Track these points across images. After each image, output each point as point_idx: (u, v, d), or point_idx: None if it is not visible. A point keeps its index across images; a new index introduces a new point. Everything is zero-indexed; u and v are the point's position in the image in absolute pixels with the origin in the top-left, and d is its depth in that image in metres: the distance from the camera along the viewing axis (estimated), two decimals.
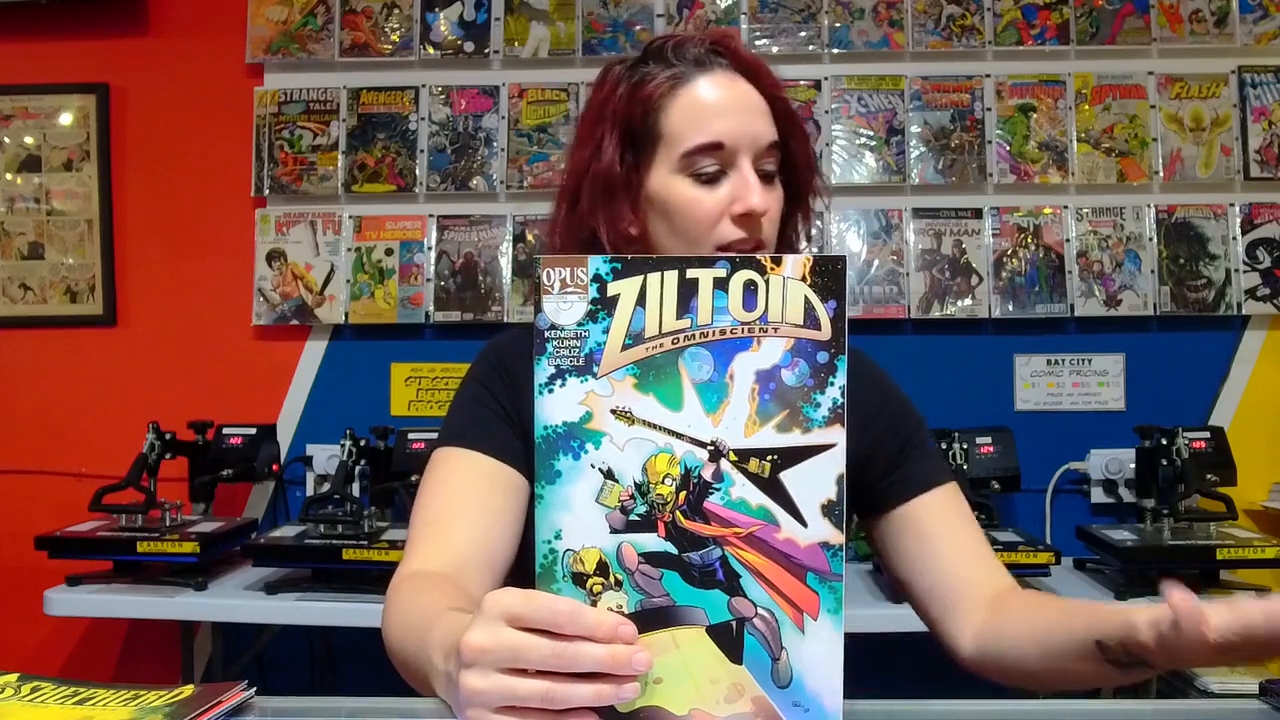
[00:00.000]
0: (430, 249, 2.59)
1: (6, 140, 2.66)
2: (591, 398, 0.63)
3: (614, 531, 0.63)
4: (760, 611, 0.63)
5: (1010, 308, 2.51)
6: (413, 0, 2.62)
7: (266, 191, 2.62)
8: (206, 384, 2.60)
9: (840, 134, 2.54)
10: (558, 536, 0.63)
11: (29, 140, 2.66)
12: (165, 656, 2.47)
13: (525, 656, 0.59)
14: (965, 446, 2.21)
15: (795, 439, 0.62)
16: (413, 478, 2.23)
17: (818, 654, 0.63)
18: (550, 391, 0.63)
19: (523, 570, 0.88)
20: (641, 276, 0.63)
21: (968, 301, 2.52)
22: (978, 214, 2.53)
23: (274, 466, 2.48)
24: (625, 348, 0.63)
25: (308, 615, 2.06)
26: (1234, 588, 2.05)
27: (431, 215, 2.60)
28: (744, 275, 0.63)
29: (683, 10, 2.60)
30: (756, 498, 0.62)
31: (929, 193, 2.55)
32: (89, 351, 2.64)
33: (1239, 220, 2.51)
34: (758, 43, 2.56)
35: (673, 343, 0.63)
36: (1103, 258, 2.51)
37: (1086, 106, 2.53)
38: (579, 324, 0.63)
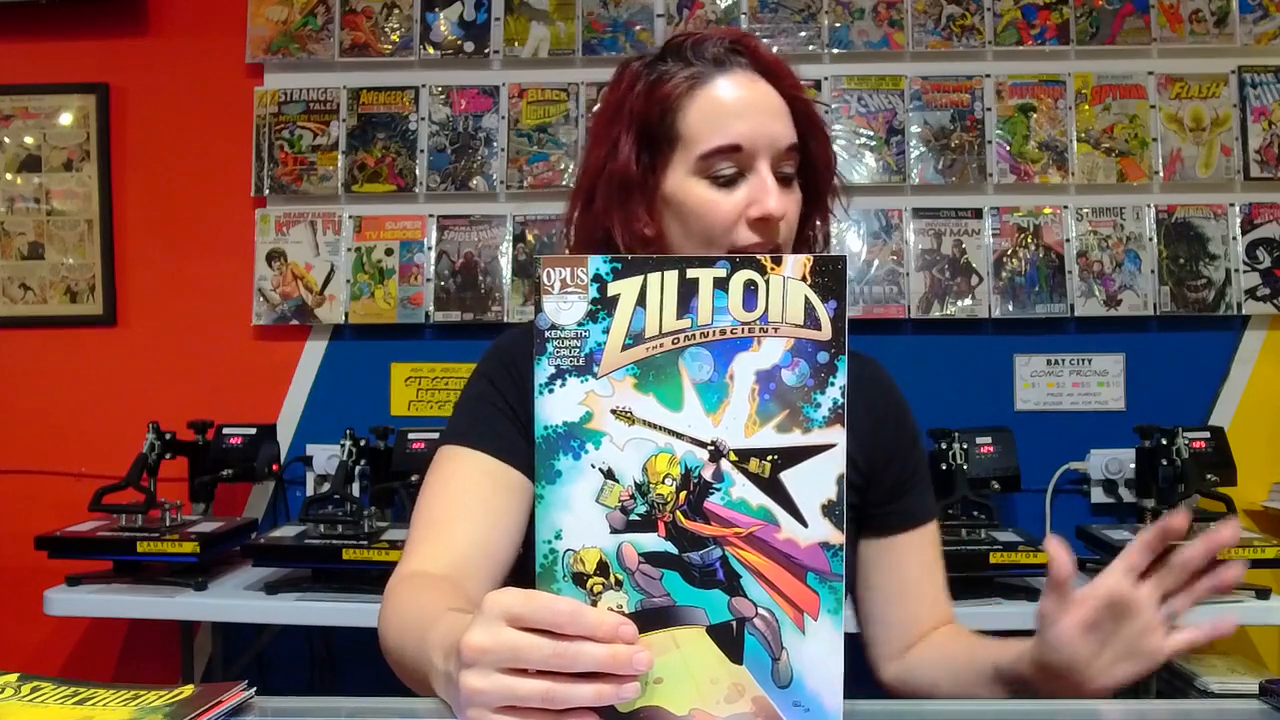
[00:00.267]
0: (430, 249, 2.59)
1: (6, 140, 2.66)
2: (592, 398, 0.63)
3: (614, 531, 0.63)
4: (760, 611, 0.63)
5: (1010, 308, 2.51)
6: (413, 0, 2.62)
7: (266, 191, 2.62)
8: (206, 384, 2.60)
9: (840, 134, 2.54)
10: (558, 536, 0.63)
11: (29, 140, 2.66)
12: (165, 656, 2.47)
13: (526, 656, 0.59)
14: (965, 446, 2.20)
15: (795, 439, 0.62)
16: (413, 478, 2.23)
17: (818, 654, 0.63)
18: (550, 391, 0.63)
19: (525, 571, 0.88)
20: (642, 276, 0.63)
21: (968, 301, 2.52)
22: (978, 214, 2.53)
23: (274, 466, 2.48)
24: (625, 348, 0.63)
25: (308, 615, 2.06)
26: (1234, 587, 2.05)
27: (431, 215, 2.60)
28: (744, 275, 0.63)
29: (683, 10, 2.60)
30: (757, 498, 0.62)
31: (929, 193, 2.55)
32: (89, 351, 2.64)
33: (1239, 220, 2.51)
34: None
35: (673, 343, 0.63)
36: (1103, 258, 2.52)
37: (1086, 106, 2.53)
38: (579, 324, 0.63)
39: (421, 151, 2.61)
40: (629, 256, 0.63)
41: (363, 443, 2.30)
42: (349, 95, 2.62)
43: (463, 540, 0.92)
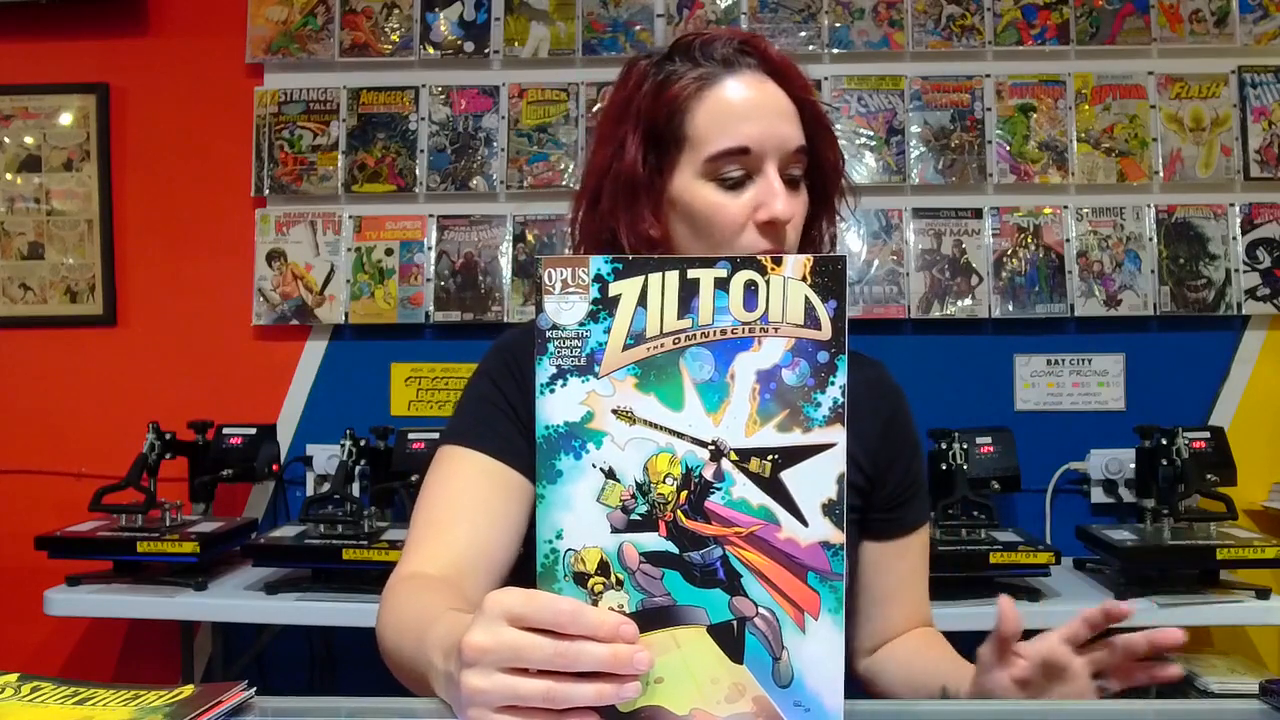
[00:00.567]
0: (430, 249, 2.59)
1: (6, 140, 2.66)
2: (593, 398, 0.63)
3: (615, 531, 0.63)
4: (761, 611, 0.63)
5: (1010, 308, 2.51)
6: (413, 0, 2.62)
7: (266, 191, 2.62)
8: (206, 384, 2.60)
9: (840, 134, 2.52)
10: (559, 536, 0.63)
11: (29, 140, 2.66)
12: (165, 656, 2.47)
13: (527, 656, 0.59)
14: (965, 446, 2.20)
15: (796, 438, 0.63)
16: (413, 478, 2.23)
17: (818, 653, 0.63)
18: (551, 391, 0.63)
19: (525, 571, 0.88)
20: (643, 277, 0.63)
21: (968, 301, 2.52)
22: (978, 214, 2.53)
23: (274, 466, 2.48)
24: (626, 348, 0.63)
25: (308, 615, 2.06)
26: (1234, 587, 2.05)
27: (431, 215, 2.60)
28: (744, 275, 0.63)
29: (683, 10, 2.60)
30: (757, 497, 0.63)
31: (929, 193, 2.55)
32: (89, 351, 2.64)
33: (1239, 220, 2.51)
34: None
35: (674, 343, 0.63)
36: (1103, 258, 2.52)
37: (1086, 106, 2.53)
38: (580, 324, 0.63)
39: (421, 151, 2.61)
40: (630, 257, 0.64)
41: (363, 443, 2.30)
42: (349, 95, 2.62)
43: (462, 541, 0.92)
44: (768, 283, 0.63)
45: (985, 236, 2.53)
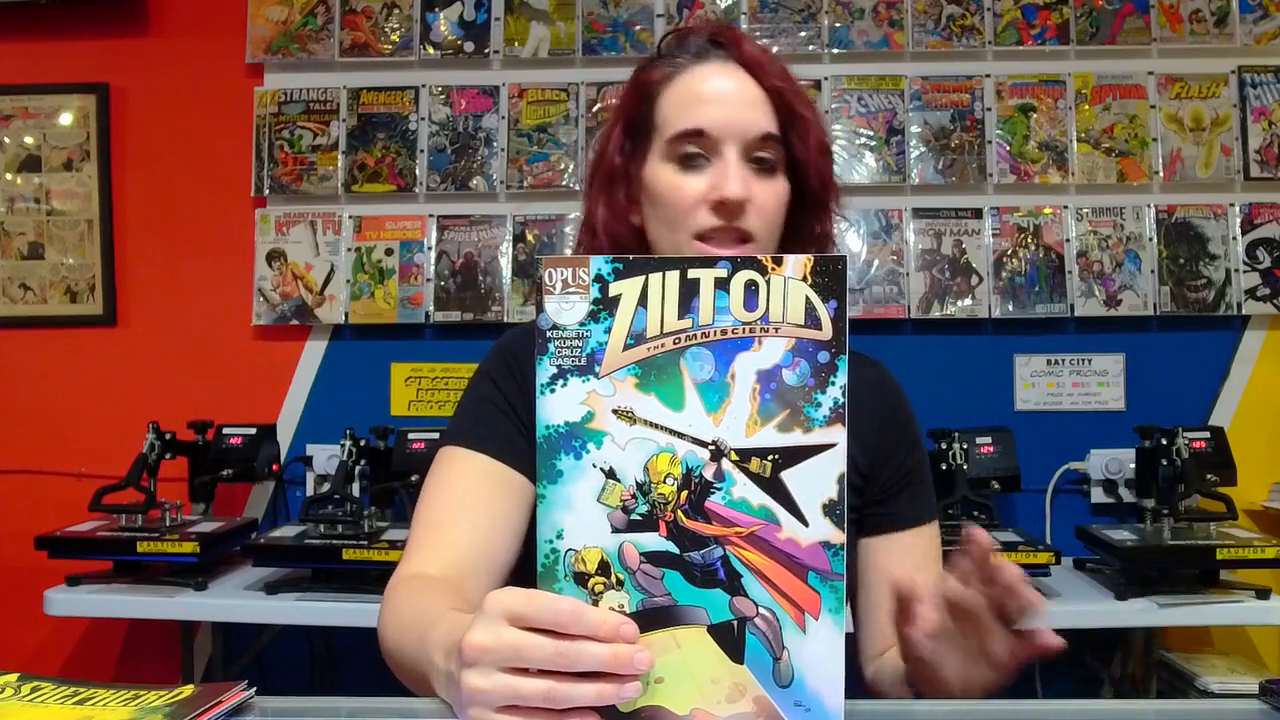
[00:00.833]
0: (430, 249, 2.59)
1: (6, 140, 2.66)
2: (593, 397, 0.63)
3: (616, 531, 0.63)
4: (762, 611, 0.63)
5: (1010, 308, 2.51)
6: (413, 0, 2.62)
7: (266, 191, 2.62)
8: (206, 384, 2.60)
9: (840, 134, 2.54)
10: (559, 536, 0.63)
11: (29, 140, 2.66)
12: (165, 656, 2.47)
13: (527, 656, 0.59)
14: (965, 446, 2.21)
15: (796, 438, 0.63)
16: (413, 478, 2.23)
17: (819, 653, 0.63)
18: (552, 391, 0.63)
19: (526, 571, 0.88)
20: (643, 277, 0.63)
21: (968, 301, 2.52)
22: (978, 214, 2.53)
23: (274, 466, 2.48)
24: (627, 347, 0.63)
25: (308, 615, 2.06)
26: (1234, 587, 2.05)
27: (431, 215, 2.60)
28: (745, 275, 0.63)
29: (683, 10, 2.60)
30: (758, 497, 0.63)
31: (929, 193, 2.55)
32: (89, 351, 2.64)
33: (1239, 220, 2.51)
34: (758, 43, 2.56)
35: (674, 343, 0.63)
36: (1103, 258, 2.52)
37: (1086, 106, 2.53)
38: (581, 324, 0.63)
39: (421, 151, 2.61)
40: (630, 257, 0.64)
41: (363, 443, 2.30)
42: (349, 95, 2.62)
43: (463, 542, 0.92)
44: (768, 283, 0.63)
45: (985, 236, 2.53)
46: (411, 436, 2.33)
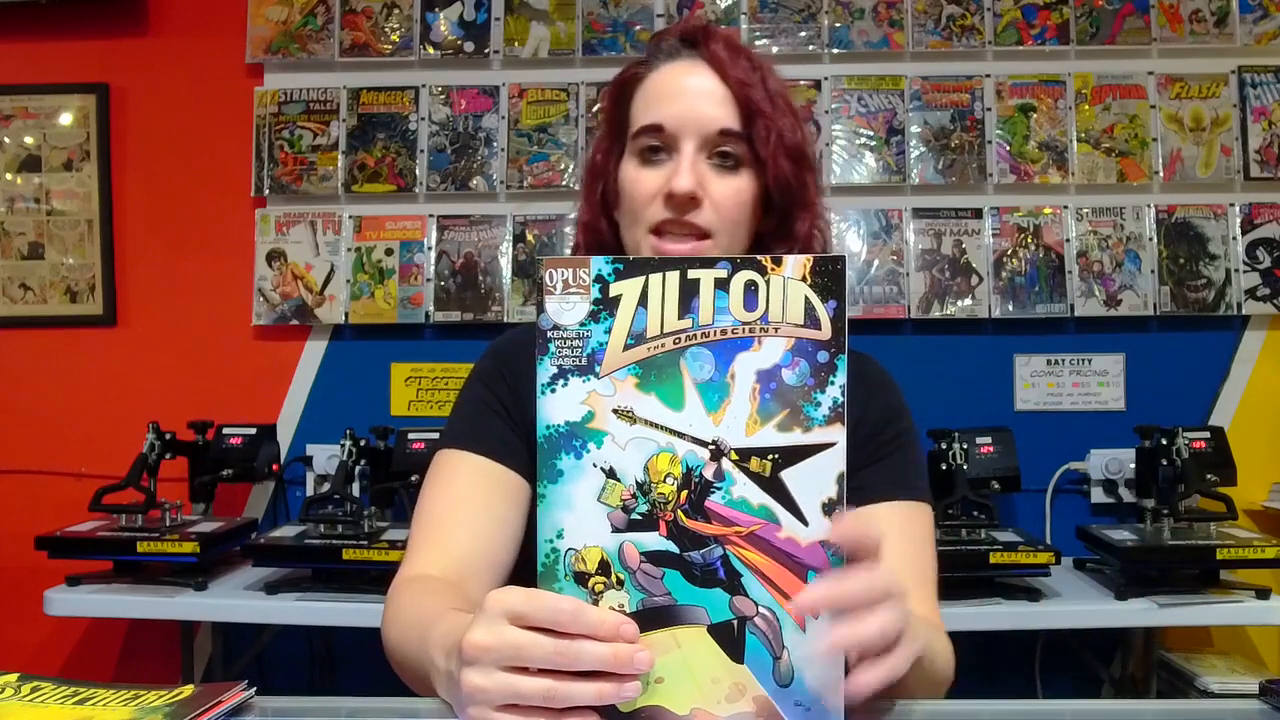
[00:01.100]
0: (430, 249, 2.59)
1: (6, 140, 2.66)
2: (594, 397, 0.63)
3: (616, 530, 0.63)
4: (761, 611, 0.63)
5: (1010, 308, 2.51)
6: (413, 0, 2.62)
7: (266, 191, 2.62)
8: (206, 384, 2.60)
9: (840, 134, 2.54)
10: (560, 535, 0.63)
11: (29, 140, 2.66)
12: (165, 656, 2.47)
13: (527, 655, 0.59)
14: (965, 446, 2.21)
15: (796, 438, 0.63)
16: (413, 478, 2.23)
17: (819, 653, 0.63)
18: (553, 391, 0.63)
19: (525, 573, 0.88)
20: (644, 277, 0.63)
21: (968, 301, 2.52)
22: (978, 214, 2.53)
23: (274, 466, 2.48)
24: (627, 347, 0.63)
25: (308, 615, 2.06)
26: (1234, 587, 2.05)
27: (431, 215, 2.60)
28: (745, 275, 0.63)
29: (682, 10, 2.60)
30: (758, 497, 0.63)
31: (929, 193, 2.55)
32: (89, 351, 2.64)
33: (1239, 220, 2.51)
34: (758, 43, 2.56)
35: (674, 343, 0.63)
36: (1103, 258, 2.52)
37: (1086, 106, 2.53)
38: (581, 324, 0.63)
39: (421, 151, 2.61)
40: (631, 258, 0.64)
41: (363, 443, 2.30)
42: (349, 95, 2.62)
43: (464, 543, 0.92)
44: (768, 283, 0.63)
45: (985, 236, 2.53)
46: (411, 436, 2.33)
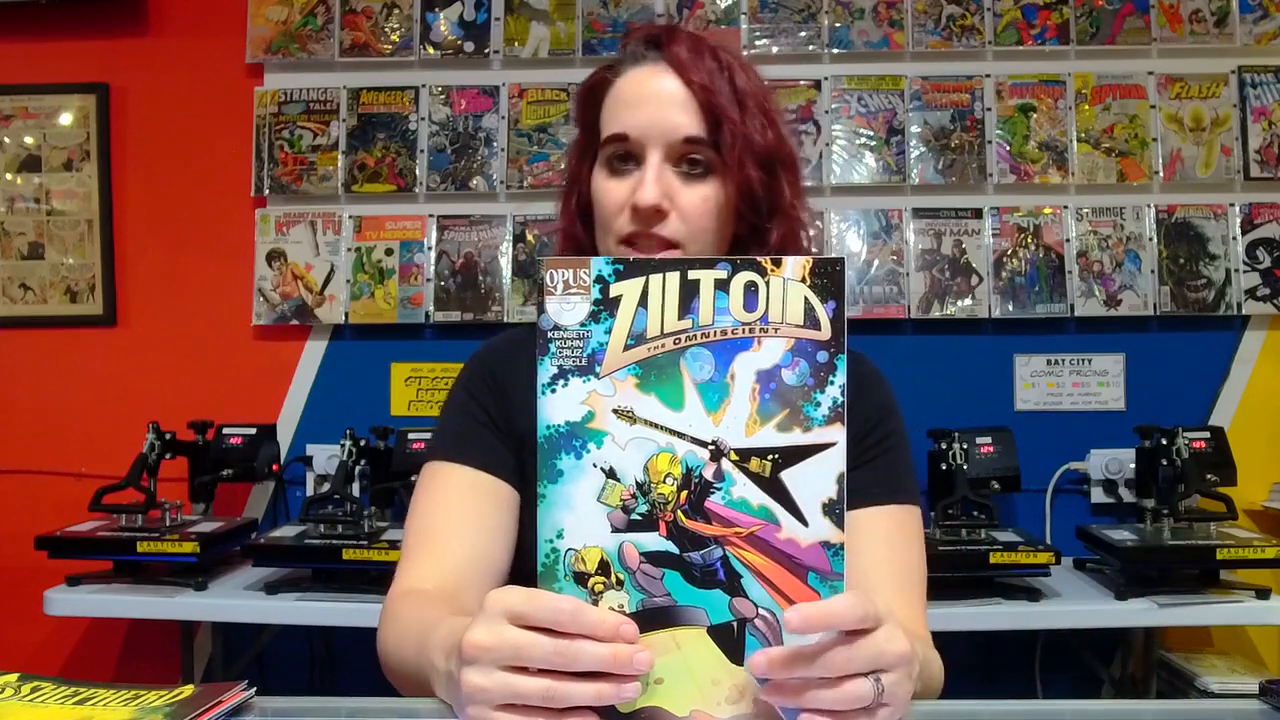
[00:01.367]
0: (430, 249, 2.59)
1: (6, 140, 2.66)
2: (594, 397, 0.63)
3: (615, 531, 0.63)
4: (761, 612, 0.63)
5: (1010, 308, 2.51)
6: (413, 0, 2.62)
7: (266, 191, 2.62)
8: (206, 384, 2.60)
9: (840, 134, 2.54)
10: (559, 536, 0.63)
11: (29, 140, 2.66)
12: (165, 656, 2.47)
13: (527, 654, 0.59)
14: (965, 446, 2.21)
15: (796, 438, 0.63)
16: (412, 478, 2.22)
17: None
18: (553, 391, 0.63)
19: (518, 580, 0.88)
20: (644, 278, 0.63)
21: (968, 301, 2.52)
22: (978, 214, 2.53)
23: (274, 466, 2.48)
24: (627, 348, 0.63)
25: (308, 615, 2.06)
26: (1234, 587, 2.05)
27: (431, 215, 2.60)
28: (744, 276, 0.63)
29: (682, 10, 2.60)
30: (757, 497, 0.63)
31: (929, 193, 2.55)
32: (89, 351, 2.64)
33: (1239, 220, 2.51)
34: (758, 43, 2.56)
35: (674, 343, 0.63)
36: (1103, 258, 2.52)
37: (1086, 106, 2.53)
38: (582, 324, 0.63)
39: (421, 151, 2.61)
40: (631, 258, 0.64)
41: (363, 443, 2.30)
42: (349, 95, 2.62)
43: (458, 554, 0.92)
44: (767, 284, 0.63)
45: (985, 236, 2.53)
46: (411, 436, 2.33)
